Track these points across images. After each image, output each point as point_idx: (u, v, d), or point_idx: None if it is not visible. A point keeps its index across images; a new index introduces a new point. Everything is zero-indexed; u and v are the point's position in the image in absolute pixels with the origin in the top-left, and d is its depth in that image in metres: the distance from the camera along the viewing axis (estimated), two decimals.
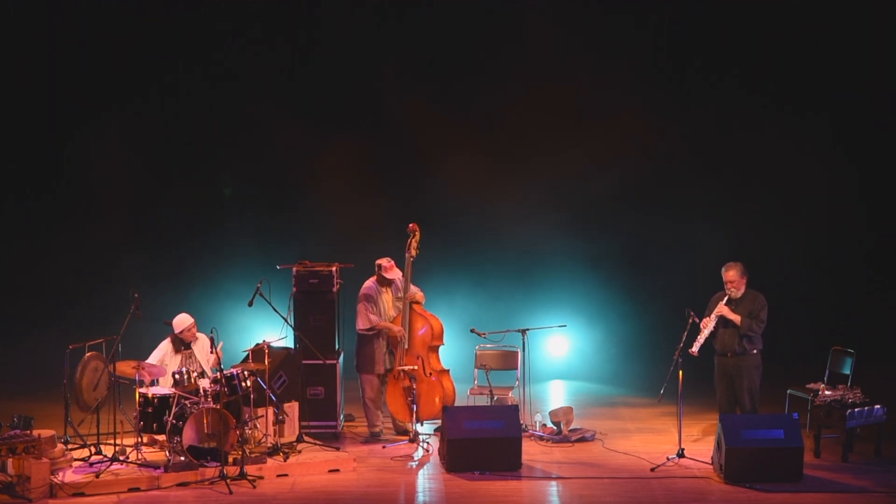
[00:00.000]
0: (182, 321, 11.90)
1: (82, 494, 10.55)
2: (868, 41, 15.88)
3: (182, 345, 11.92)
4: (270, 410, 11.74)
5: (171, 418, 11.06)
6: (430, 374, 12.34)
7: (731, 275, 11.84)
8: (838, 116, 15.95)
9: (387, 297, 12.53)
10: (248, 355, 12.11)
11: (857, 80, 15.98)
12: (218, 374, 11.28)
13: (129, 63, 16.04)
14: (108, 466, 10.97)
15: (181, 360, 11.85)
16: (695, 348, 11.68)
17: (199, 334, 12.03)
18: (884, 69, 15.97)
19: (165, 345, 11.94)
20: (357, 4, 16.09)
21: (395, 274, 12.47)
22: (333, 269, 12.76)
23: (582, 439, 12.42)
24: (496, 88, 16.21)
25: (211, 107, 16.18)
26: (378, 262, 12.51)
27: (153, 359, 11.80)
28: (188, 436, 10.98)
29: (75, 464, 11.24)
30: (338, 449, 11.93)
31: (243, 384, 11.44)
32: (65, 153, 16.19)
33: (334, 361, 12.63)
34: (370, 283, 12.54)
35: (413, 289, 12.44)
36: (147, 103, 16.16)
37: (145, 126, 16.18)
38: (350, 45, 16.16)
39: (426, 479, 11.28)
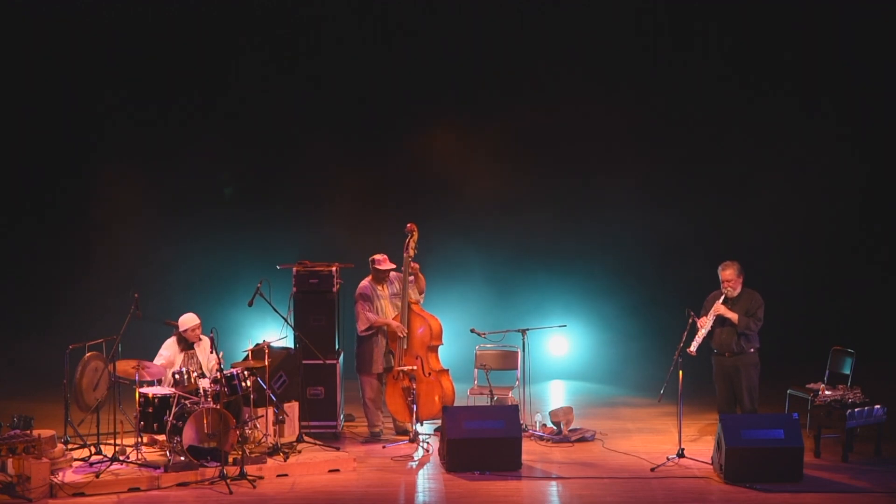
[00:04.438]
0: (188, 320, 11.90)
1: (82, 494, 10.55)
2: (870, 33, 15.87)
3: (185, 344, 11.93)
4: (270, 410, 11.74)
5: (171, 418, 11.05)
6: (430, 373, 12.34)
7: (728, 274, 11.85)
8: (840, 115, 15.94)
9: (383, 295, 12.53)
10: (248, 355, 12.11)
11: (859, 77, 15.97)
12: (218, 374, 11.28)
13: (131, 63, 16.07)
14: (108, 466, 10.96)
15: (184, 360, 11.85)
16: (693, 348, 11.68)
17: (201, 336, 12.04)
18: (887, 62, 15.93)
19: (171, 343, 11.94)
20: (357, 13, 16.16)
21: (389, 266, 12.48)
22: (333, 269, 12.76)
23: (582, 439, 12.42)
24: (496, 88, 16.21)
25: (211, 107, 16.19)
26: (371, 257, 12.53)
27: (161, 358, 11.79)
28: (188, 436, 10.98)
29: (75, 464, 11.23)
30: (338, 449, 11.93)
31: (243, 384, 11.44)
32: (66, 155, 16.21)
33: (334, 361, 12.63)
34: (365, 282, 12.55)
35: (408, 292, 12.43)
36: (146, 103, 16.15)
37: (144, 126, 16.19)
38: (351, 49, 16.18)
39: (426, 479, 11.28)
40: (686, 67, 16.11)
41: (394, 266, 12.48)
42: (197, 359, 11.92)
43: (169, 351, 11.90)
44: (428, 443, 12.16)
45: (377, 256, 12.52)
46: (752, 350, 11.87)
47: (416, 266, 12.44)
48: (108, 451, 11.42)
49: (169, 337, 12.00)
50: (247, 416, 11.67)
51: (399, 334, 12.33)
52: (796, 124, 16.01)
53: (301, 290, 12.67)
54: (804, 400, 12.32)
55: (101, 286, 15.58)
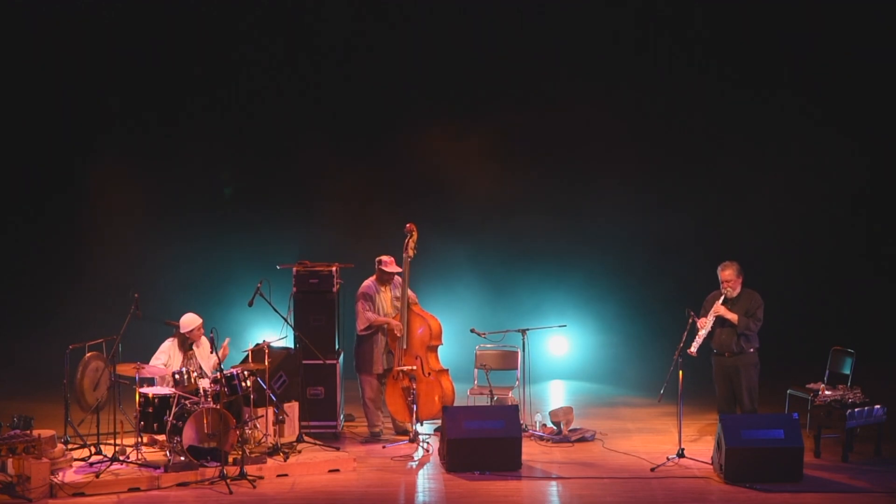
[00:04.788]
0: (190, 321, 11.88)
1: (82, 494, 10.55)
2: (870, 32, 15.86)
3: (186, 345, 11.92)
4: (270, 410, 11.74)
5: (171, 418, 11.05)
6: (429, 373, 12.34)
7: (728, 274, 11.85)
8: (839, 114, 15.93)
9: (385, 297, 12.53)
10: (247, 355, 12.11)
11: (859, 77, 15.96)
12: (218, 374, 11.28)
13: (130, 65, 16.07)
14: (108, 466, 10.96)
15: (182, 360, 11.85)
16: (693, 348, 11.68)
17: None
18: (887, 62, 15.91)
19: (169, 346, 11.93)
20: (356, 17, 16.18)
21: (395, 268, 12.48)
22: (333, 269, 12.76)
23: (582, 439, 12.42)
24: (496, 89, 16.21)
25: (211, 107, 16.19)
26: (378, 258, 12.54)
27: (158, 361, 11.79)
28: (188, 436, 10.98)
29: (75, 464, 11.23)
30: (338, 449, 11.93)
31: (243, 384, 11.44)
32: (65, 155, 16.20)
33: (334, 361, 12.63)
34: (368, 282, 12.56)
35: (407, 291, 12.46)
36: (145, 103, 16.16)
37: (144, 126, 16.19)
38: (349, 49, 16.19)
39: (426, 479, 11.28)
40: (685, 67, 16.10)
41: (399, 269, 12.47)
42: (196, 360, 11.91)
43: (167, 353, 11.89)
44: (428, 443, 12.16)
45: (384, 258, 12.51)
46: (751, 350, 11.87)
47: (415, 298, 12.50)
48: (108, 451, 11.42)
49: (168, 337, 12.00)
50: (247, 416, 11.67)
51: (396, 333, 12.34)
52: (796, 124, 16.00)
53: (301, 290, 12.67)
54: (804, 400, 12.32)
55: (101, 286, 15.58)
